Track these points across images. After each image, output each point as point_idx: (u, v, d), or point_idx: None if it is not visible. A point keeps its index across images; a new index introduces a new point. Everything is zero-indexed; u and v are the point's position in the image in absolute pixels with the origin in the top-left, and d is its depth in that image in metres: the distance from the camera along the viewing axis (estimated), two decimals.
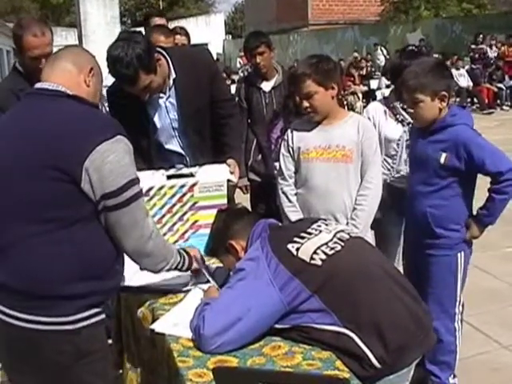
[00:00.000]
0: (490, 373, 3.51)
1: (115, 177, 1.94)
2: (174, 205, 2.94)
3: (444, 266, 2.99)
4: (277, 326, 2.06)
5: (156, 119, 3.18)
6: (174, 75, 3.11)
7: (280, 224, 2.42)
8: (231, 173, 3.16)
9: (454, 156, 2.83)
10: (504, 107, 15.61)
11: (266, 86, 4.29)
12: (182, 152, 3.29)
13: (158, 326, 2.19)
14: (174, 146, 3.28)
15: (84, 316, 1.98)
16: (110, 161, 1.92)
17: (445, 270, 2.99)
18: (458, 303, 3.09)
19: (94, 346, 2.03)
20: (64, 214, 1.93)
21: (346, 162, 3.01)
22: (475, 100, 16.05)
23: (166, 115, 3.18)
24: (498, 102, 15.80)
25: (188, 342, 2.06)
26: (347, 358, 1.98)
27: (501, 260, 5.24)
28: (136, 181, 2.02)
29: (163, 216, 2.92)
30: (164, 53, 3.10)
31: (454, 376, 3.19)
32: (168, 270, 2.24)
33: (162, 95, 3.13)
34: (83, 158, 1.88)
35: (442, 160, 2.85)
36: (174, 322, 2.19)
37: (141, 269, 2.18)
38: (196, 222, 2.98)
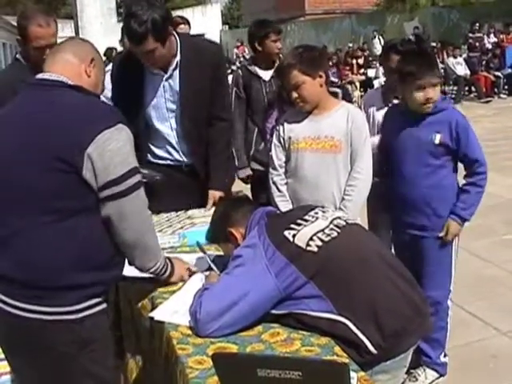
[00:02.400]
0: (488, 359, 3.53)
1: (117, 164, 1.94)
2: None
3: (441, 246, 3.07)
4: (273, 311, 2.07)
5: (151, 96, 3.19)
6: (178, 57, 3.13)
7: (278, 211, 2.43)
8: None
9: (448, 136, 2.95)
10: (502, 95, 15.56)
11: (266, 75, 4.27)
12: (170, 135, 3.28)
13: (157, 314, 2.20)
14: (165, 127, 3.27)
15: (86, 305, 1.99)
16: (111, 149, 1.92)
17: (442, 249, 3.08)
18: (452, 281, 3.17)
19: (97, 335, 2.04)
20: (66, 205, 1.94)
21: (334, 153, 3.01)
22: (473, 88, 16.02)
23: (162, 94, 3.19)
24: (496, 90, 15.76)
25: (187, 330, 2.07)
26: (344, 345, 1.98)
27: (499, 247, 5.25)
28: (137, 170, 2.02)
29: None
30: (175, 34, 3.13)
31: (445, 355, 3.26)
32: (152, 274, 2.24)
33: (162, 73, 3.15)
34: (85, 147, 1.89)
35: (437, 140, 2.96)
36: (174, 309, 2.20)
37: (129, 263, 2.17)
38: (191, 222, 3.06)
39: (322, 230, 2.14)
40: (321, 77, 2.97)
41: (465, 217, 3.02)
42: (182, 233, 2.93)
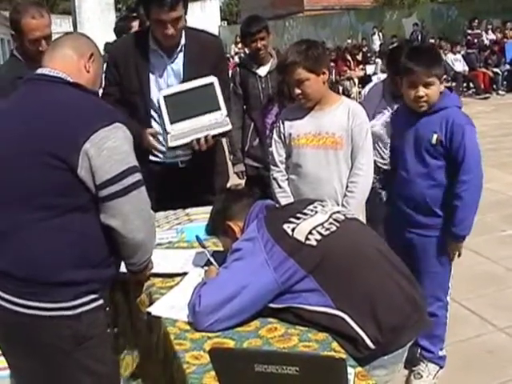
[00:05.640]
0: (486, 355, 3.54)
1: (113, 163, 1.93)
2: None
3: (441, 245, 3.05)
4: (272, 305, 2.07)
5: (153, 80, 3.19)
6: (183, 41, 3.16)
7: (277, 205, 2.42)
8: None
9: (443, 136, 2.89)
10: (500, 92, 15.57)
11: (262, 70, 4.29)
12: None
13: (154, 309, 2.19)
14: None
15: (83, 301, 1.99)
16: (107, 147, 1.91)
17: (442, 249, 3.06)
18: (451, 278, 3.18)
19: (94, 331, 2.03)
20: (61, 202, 1.93)
21: (335, 149, 3.01)
22: (471, 85, 16.02)
23: (165, 80, 3.19)
24: (494, 86, 15.77)
25: (185, 325, 2.06)
26: (341, 339, 1.98)
27: (497, 244, 5.26)
28: (136, 169, 2.00)
29: None
30: None
31: (442, 349, 3.29)
32: (139, 268, 2.22)
33: (166, 57, 3.17)
34: (80, 145, 1.89)
35: (434, 140, 2.91)
36: (171, 304, 2.19)
37: (124, 261, 2.16)
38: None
39: (321, 224, 2.13)
40: (324, 73, 2.96)
41: (458, 233, 2.96)
42: (180, 228, 2.93)
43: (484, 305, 4.12)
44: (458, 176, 2.88)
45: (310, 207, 2.23)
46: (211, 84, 3.08)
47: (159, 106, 3.07)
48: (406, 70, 2.91)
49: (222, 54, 3.48)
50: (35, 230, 1.94)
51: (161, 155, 3.24)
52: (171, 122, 3.03)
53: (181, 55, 3.18)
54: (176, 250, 2.77)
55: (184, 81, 3.17)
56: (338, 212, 2.26)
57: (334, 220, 2.18)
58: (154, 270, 2.48)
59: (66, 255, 1.95)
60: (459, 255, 3.10)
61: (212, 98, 3.07)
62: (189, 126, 3.03)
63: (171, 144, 3.00)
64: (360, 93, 14.33)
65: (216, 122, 3.07)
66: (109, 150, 1.92)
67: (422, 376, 3.25)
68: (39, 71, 2.07)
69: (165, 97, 3.05)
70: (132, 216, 1.98)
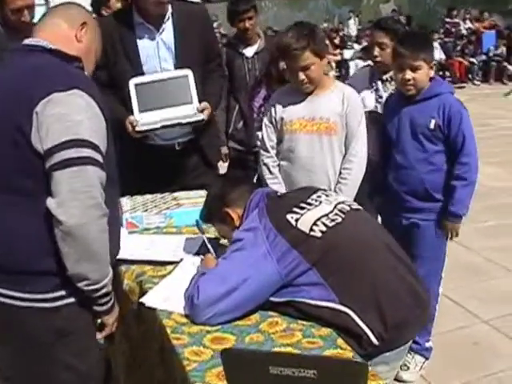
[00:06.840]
0: (469, 346, 3.53)
1: (55, 132, 1.72)
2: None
3: (437, 231, 3.06)
4: (272, 299, 1.98)
5: (144, 56, 3.06)
6: (170, 10, 3.05)
7: (278, 193, 2.33)
8: (202, 110, 3.02)
9: (441, 121, 2.93)
10: (475, 82, 15.66)
11: (249, 51, 4.19)
12: None
13: (148, 300, 2.07)
14: None
15: (62, 294, 1.86)
16: (55, 114, 1.73)
17: (437, 235, 3.08)
18: (444, 268, 3.19)
19: (75, 325, 1.92)
20: (30, 184, 1.79)
21: (329, 135, 2.94)
22: (447, 73, 16.08)
23: (155, 53, 3.07)
24: (470, 76, 15.85)
25: (181, 318, 1.96)
26: (345, 335, 1.90)
27: (480, 235, 5.26)
28: (85, 143, 1.75)
29: None
30: None
31: (428, 340, 3.29)
32: (89, 294, 1.88)
33: (153, 29, 3.05)
34: (31, 110, 1.73)
35: (432, 125, 2.93)
36: (165, 295, 2.08)
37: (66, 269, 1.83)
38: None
39: (326, 215, 2.05)
40: (325, 58, 2.90)
41: (456, 213, 3.00)
42: (169, 213, 2.82)
43: (467, 296, 4.12)
44: (459, 158, 2.94)
45: (314, 197, 2.14)
46: (185, 76, 3.00)
47: (129, 94, 2.97)
48: (395, 53, 2.96)
49: (208, 21, 3.39)
50: (10, 214, 1.81)
51: (155, 138, 3.13)
52: (140, 111, 2.97)
53: (169, 26, 3.07)
54: (164, 235, 2.66)
55: (176, 52, 3.07)
56: (343, 202, 2.17)
57: (339, 211, 2.09)
58: (143, 257, 2.39)
59: (40, 243, 1.80)
60: (456, 235, 3.10)
61: (185, 91, 3.01)
62: (158, 116, 2.98)
63: (138, 128, 2.94)
64: (339, 77, 14.23)
65: (187, 114, 2.99)
66: (55, 116, 1.73)
67: (408, 368, 3.24)
68: (24, 42, 1.95)
69: (135, 85, 2.97)
70: (67, 196, 1.71)
